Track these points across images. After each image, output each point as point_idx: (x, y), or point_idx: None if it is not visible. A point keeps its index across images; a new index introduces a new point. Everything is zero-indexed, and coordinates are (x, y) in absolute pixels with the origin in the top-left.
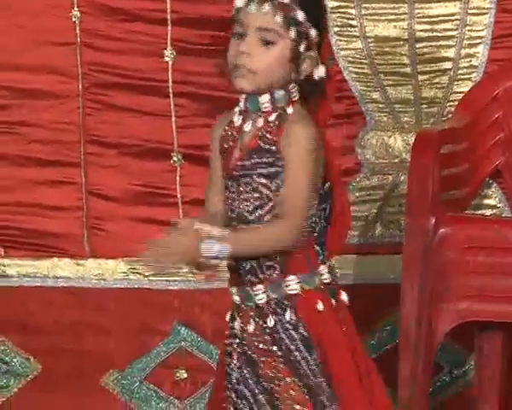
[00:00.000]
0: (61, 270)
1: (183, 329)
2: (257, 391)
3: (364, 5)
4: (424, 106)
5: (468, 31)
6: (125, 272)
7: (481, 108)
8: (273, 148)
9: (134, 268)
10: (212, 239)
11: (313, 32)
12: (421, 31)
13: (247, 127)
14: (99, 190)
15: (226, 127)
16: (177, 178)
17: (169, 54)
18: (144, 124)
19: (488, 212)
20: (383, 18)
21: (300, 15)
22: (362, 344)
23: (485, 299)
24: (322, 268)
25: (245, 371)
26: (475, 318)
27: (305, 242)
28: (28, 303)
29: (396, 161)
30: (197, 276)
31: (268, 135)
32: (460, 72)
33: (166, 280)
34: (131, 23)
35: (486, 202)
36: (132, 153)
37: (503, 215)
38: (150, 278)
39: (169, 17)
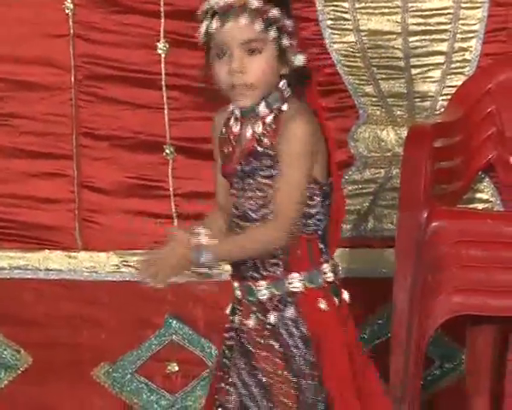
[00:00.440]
0: (52, 262)
1: (174, 322)
2: (251, 383)
3: None
4: (417, 100)
5: (461, 25)
6: (116, 265)
7: (474, 102)
8: (270, 151)
9: (126, 261)
10: (200, 249)
11: (289, 22)
12: (415, 24)
13: (245, 132)
14: (91, 182)
15: (223, 129)
16: (170, 170)
17: (162, 46)
18: (137, 116)
19: (480, 206)
20: (376, 11)
21: (275, 12)
22: (360, 343)
23: (477, 293)
24: (326, 266)
25: (239, 362)
26: (467, 311)
27: (308, 239)
28: (19, 295)
29: (389, 154)
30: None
31: (265, 139)
32: (453, 66)
33: None
34: (124, 15)
35: (479, 196)
36: (125, 145)
37: (495, 209)
38: None
39: (162, 9)
